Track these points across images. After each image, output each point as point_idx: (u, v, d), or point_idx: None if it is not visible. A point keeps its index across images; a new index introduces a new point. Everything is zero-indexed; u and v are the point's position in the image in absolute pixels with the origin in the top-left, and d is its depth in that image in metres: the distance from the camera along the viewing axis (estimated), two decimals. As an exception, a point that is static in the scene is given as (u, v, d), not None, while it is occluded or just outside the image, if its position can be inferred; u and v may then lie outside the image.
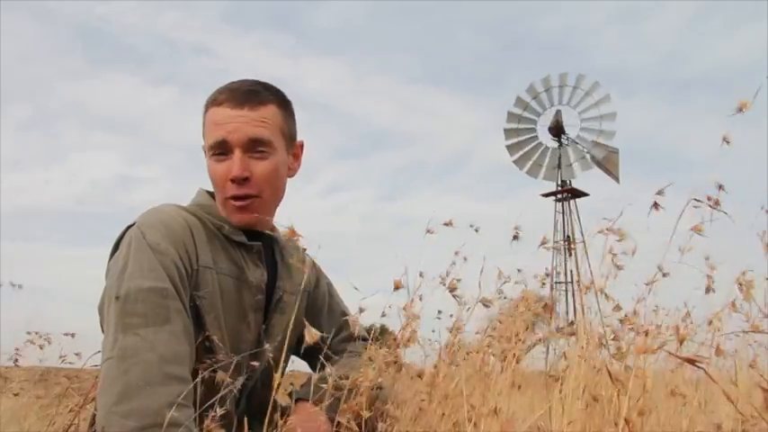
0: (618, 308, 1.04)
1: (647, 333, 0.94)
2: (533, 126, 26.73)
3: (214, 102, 1.09)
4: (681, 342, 0.81)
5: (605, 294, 1.02)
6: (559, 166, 26.21)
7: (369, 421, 0.94)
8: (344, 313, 1.32)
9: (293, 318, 0.96)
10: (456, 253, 1.06)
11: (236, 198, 1.08)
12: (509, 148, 26.91)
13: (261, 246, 1.13)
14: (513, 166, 26.95)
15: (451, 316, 1.12)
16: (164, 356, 0.89)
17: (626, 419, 0.78)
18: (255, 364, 1.04)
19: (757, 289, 0.95)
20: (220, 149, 1.07)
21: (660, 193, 0.96)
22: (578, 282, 1.09)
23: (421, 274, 0.98)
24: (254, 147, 1.07)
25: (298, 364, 1.32)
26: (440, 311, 1.07)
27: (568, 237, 25.98)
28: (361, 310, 0.94)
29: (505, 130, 26.97)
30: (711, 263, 1.02)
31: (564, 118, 25.86)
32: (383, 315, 1.00)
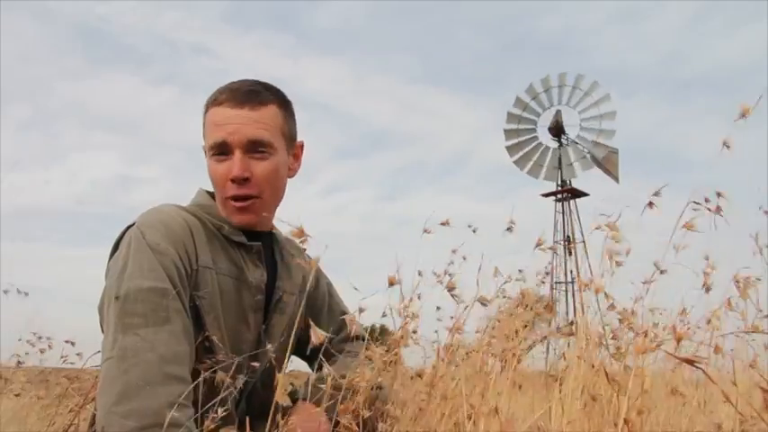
0: (612, 307, 1.04)
1: (646, 333, 0.94)
2: (533, 126, 26.75)
3: (214, 102, 1.09)
4: (678, 341, 0.81)
5: (605, 294, 1.02)
6: (560, 166, 26.21)
7: (369, 421, 0.94)
8: (344, 313, 1.32)
9: (297, 317, 0.96)
10: (453, 251, 1.06)
11: (236, 198, 1.08)
12: (509, 148, 26.93)
13: (260, 246, 1.13)
14: (514, 165, 26.98)
15: (452, 318, 1.12)
16: (163, 356, 0.89)
17: (625, 420, 0.78)
18: (256, 364, 1.04)
19: (753, 288, 0.95)
20: (221, 150, 1.07)
21: (657, 194, 0.96)
22: (578, 281, 1.09)
23: (420, 273, 0.98)
24: (255, 147, 1.07)
25: (298, 364, 1.32)
26: (438, 308, 1.07)
27: (568, 237, 25.98)
28: (361, 310, 0.94)
29: (505, 131, 26.98)
30: (711, 263, 1.02)
31: (564, 118, 25.89)
32: (383, 315, 1.00)
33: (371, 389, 0.96)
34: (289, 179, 1.17)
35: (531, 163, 26.71)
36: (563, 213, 26.82)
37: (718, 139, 0.89)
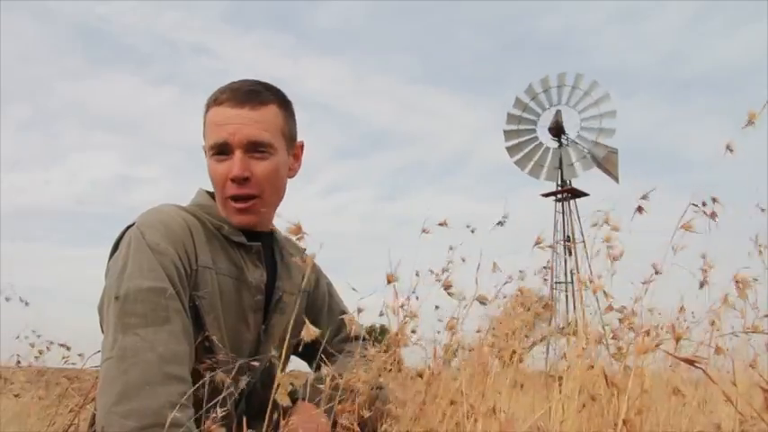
0: (610, 308, 1.04)
1: (648, 333, 0.94)
2: (533, 127, 26.74)
3: (215, 101, 1.09)
4: (677, 341, 0.81)
5: (604, 292, 1.02)
6: (560, 167, 26.21)
7: (369, 421, 0.94)
8: (344, 313, 1.32)
9: (293, 318, 0.96)
10: (450, 248, 1.06)
11: (236, 198, 1.08)
12: (509, 149, 26.92)
13: (260, 246, 1.13)
14: (514, 165, 26.98)
15: (454, 318, 1.12)
16: (163, 356, 0.89)
17: (624, 420, 0.78)
18: (256, 364, 1.04)
19: (751, 289, 0.95)
20: (221, 150, 1.07)
21: (645, 197, 0.97)
22: (577, 277, 1.09)
23: (417, 274, 0.98)
24: (255, 148, 1.07)
25: (298, 364, 1.32)
26: (437, 307, 1.07)
27: (568, 237, 25.99)
28: (360, 311, 0.94)
29: (505, 132, 26.98)
30: (708, 262, 1.02)
31: (564, 118, 25.89)
32: (381, 314, 1.00)
33: (371, 389, 0.96)
34: (289, 179, 1.17)
35: (532, 163, 26.71)
36: (563, 213, 26.84)
37: (718, 140, 0.89)
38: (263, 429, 0.87)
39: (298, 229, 0.84)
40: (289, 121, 1.14)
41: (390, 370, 1.00)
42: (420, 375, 1.07)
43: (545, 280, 1.20)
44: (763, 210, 1.03)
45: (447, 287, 0.99)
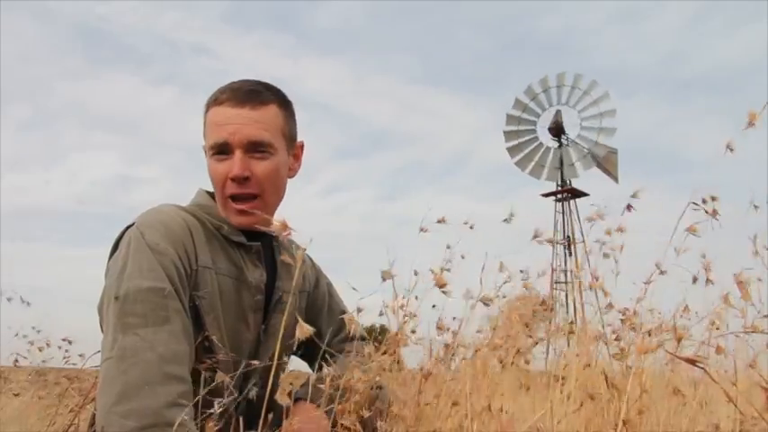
0: (610, 305, 1.04)
1: (649, 333, 0.94)
2: (533, 127, 26.75)
3: (215, 101, 1.09)
4: (678, 341, 0.81)
5: (603, 291, 1.02)
6: (561, 167, 26.21)
7: (369, 421, 0.94)
8: (344, 313, 1.32)
9: (291, 317, 0.96)
10: (448, 247, 1.06)
11: (236, 198, 1.08)
12: (510, 150, 26.92)
13: (260, 246, 1.13)
14: (514, 165, 26.98)
15: (455, 318, 1.12)
16: (163, 356, 0.89)
17: (624, 420, 0.78)
18: (255, 363, 1.04)
19: (752, 288, 0.95)
20: (221, 150, 1.07)
21: (635, 195, 0.97)
22: (578, 279, 1.09)
23: (416, 273, 0.98)
24: (255, 147, 1.07)
25: (298, 364, 1.32)
26: (434, 306, 1.06)
27: (568, 237, 25.98)
28: (359, 310, 0.94)
29: (505, 133, 26.98)
30: (707, 261, 1.02)
31: (563, 117, 25.89)
32: (381, 314, 1.00)
33: (371, 388, 0.96)
34: (289, 179, 1.17)
35: (533, 164, 26.71)
36: (563, 213, 26.85)
37: (718, 139, 0.89)
38: (259, 429, 0.87)
39: (284, 226, 0.83)
40: (289, 122, 1.14)
41: (391, 370, 0.99)
42: (425, 377, 1.07)
43: (546, 277, 1.20)
44: (756, 207, 1.03)
45: (441, 285, 0.98)
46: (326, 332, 1.28)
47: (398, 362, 1.03)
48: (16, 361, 2.65)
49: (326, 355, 1.07)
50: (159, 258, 0.96)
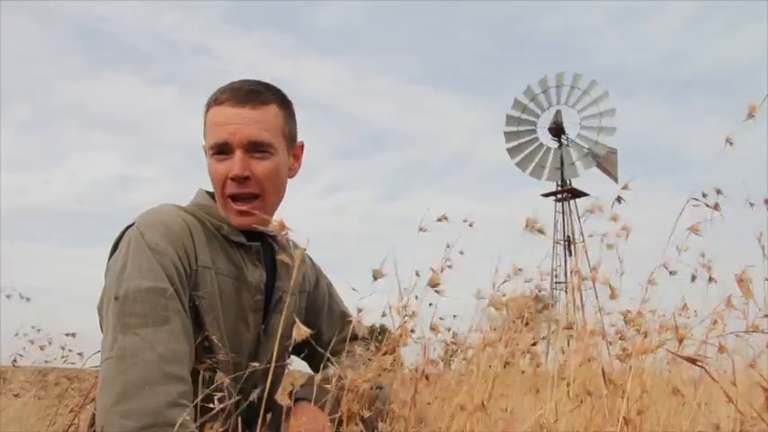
0: (615, 295, 1.04)
1: (645, 334, 0.94)
2: (533, 128, 26.76)
3: (216, 101, 1.09)
4: (680, 341, 0.81)
5: (610, 287, 1.02)
6: (561, 167, 26.21)
7: (369, 421, 0.94)
8: (344, 313, 1.32)
9: (290, 317, 0.96)
10: (448, 246, 1.05)
11: (236, 198, 1.08)
12: (510, 151, 26.92)
13: (260, 246, 1.13)
14: (514, 165, 26.98)
15: (455, 316, 1.12)
16: (163, 356, 0.89)
17: (625, 419, 0.78)
18: (255, 364, 1.04)
19: (755, 288, 0.95)
20: (221, 149, 1.07)
21: (625, 187, 0.97)
22: (578, 277, 1.09)
23: (417, 273, 0.98)
24: (255, 147, 1.07)
25: (298, 364, 1.32)
26: (431, 304, 1.06)
27: (568, 237, 25.98)
28: (359, 311, 0.94)
29: (505, 134, 26.99)
30: (707, 261, 1.02)
31: (563, 117, 25.89)
32: (383, 315, 1.00)
33: (371, 389, 0.96)
34: (289, 179, 1.17)
35: (533, 164, 26.71)
36: (563, 213, 26.85)
37: (718, 139, 0.89)
38: (258, 429, 0.87)
39: (281, 226, 0.83)
40: (289, 122, 1.14)
41: (391, 370, 0.99)
42: (427, 377, 1.06)
43: (548, 278, 1.20)
44: (752, 204, 1.02)
45: (434, 285, 0.98)
46: (326, 332, 1.28)
47: (399, 362, 1.03)
48: (15, 361, 2.65)
49: (331, 356, 1.07)
50: (159, 258, 0.96)
